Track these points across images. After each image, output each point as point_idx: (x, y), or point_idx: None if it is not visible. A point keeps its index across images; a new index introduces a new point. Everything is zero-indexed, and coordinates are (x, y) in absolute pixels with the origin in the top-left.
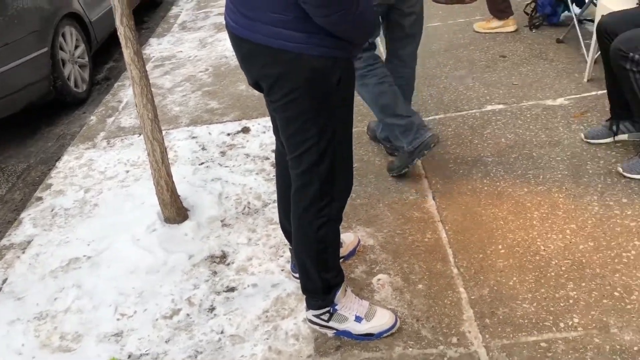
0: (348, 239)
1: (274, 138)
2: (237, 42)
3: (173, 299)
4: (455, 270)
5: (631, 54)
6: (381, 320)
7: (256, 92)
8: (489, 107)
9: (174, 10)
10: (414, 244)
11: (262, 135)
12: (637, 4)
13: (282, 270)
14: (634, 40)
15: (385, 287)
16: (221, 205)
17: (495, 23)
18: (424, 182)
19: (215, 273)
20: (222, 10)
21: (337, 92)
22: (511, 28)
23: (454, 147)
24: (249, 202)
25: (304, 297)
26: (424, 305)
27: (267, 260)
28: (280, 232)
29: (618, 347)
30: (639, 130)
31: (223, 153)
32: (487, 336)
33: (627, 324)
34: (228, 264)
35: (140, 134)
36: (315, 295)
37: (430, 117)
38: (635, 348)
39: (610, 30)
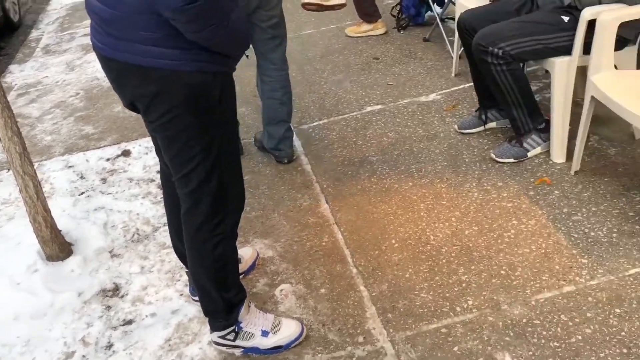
0: (246, 253)
1: (157, 159)
2: (107, 63)
3: (65, 342)
4: (354, 270)
5: (490, 48)
6: (288, 331)
7: (133, 113)
8: (369, 108)
9: (35, 33)
10: (312, 249)
11: (144, 156)
12: (490, 1)
13: (181, 295)
14: (492, 35)
15: (288, 296)
16: (108, 235)
17: (366, 27)
18: (316, 187)
19: (109, 308)
20: (88, 30)
21: (220, 107)
22: (381, 31)
23: (340, 149)
24: (137, 229)
25: (207, 319)
26: (328, 309)
27: (163, 286)
28: (174, 255)
29: (509, 322)
30: (504, 118)
31: (104, 180)
32: (391, 330)
33: (514, 299)
34: (122, 296)
35: (9, 169)
36: (218, 316)
37: (315, 123)
38: (524, 320)
39: (469, 26)
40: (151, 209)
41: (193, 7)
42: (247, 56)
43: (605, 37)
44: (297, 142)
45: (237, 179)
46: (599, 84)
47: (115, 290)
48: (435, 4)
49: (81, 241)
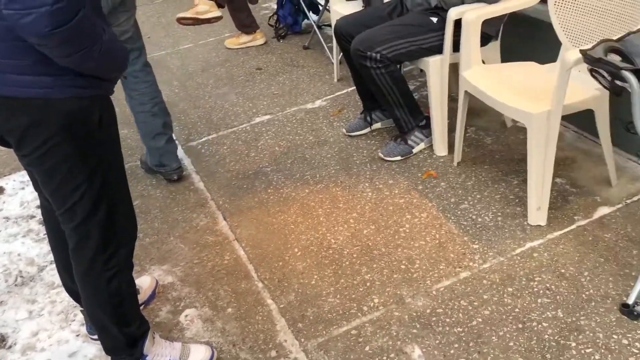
0: (144, 283)
1: (36, 193)
2: None
3: None
4: (260, 285)
5: (369, 53)
6: (198, 356)
7: (3, 147)
8: (257, 119)
9: None
10: (214, 269)
11: (20, 192)
12: (362, 6)
13: (78, 335)
14: (369, 40)
15: (194, 321)
16: None
17: (245, 38)
18: (211, 205)
19: None
20: None
21: (101, 132)
22: (260, 41)
23: (233, 163)
24: (20, 271)
25: (109, 358)
26: (237, 328)
27: (57, 329)
28: (65, 295)
29: (415, 314)
30: (388, 118)
31: None
32: (302, 340)
33: (417, 292)
34: (10, 347)
35: None
36: (121, 352)
37: (204, 139)
38: (428, 311)
39: (345, 32)
40: (34, 248)
41: (60, 31)
42: (124, 77)
43: (470, 35)
44: (186, 160)
45: (127, 206)
46: (470, 79)
47: (2, 341)
48: (310, 12)
49: None
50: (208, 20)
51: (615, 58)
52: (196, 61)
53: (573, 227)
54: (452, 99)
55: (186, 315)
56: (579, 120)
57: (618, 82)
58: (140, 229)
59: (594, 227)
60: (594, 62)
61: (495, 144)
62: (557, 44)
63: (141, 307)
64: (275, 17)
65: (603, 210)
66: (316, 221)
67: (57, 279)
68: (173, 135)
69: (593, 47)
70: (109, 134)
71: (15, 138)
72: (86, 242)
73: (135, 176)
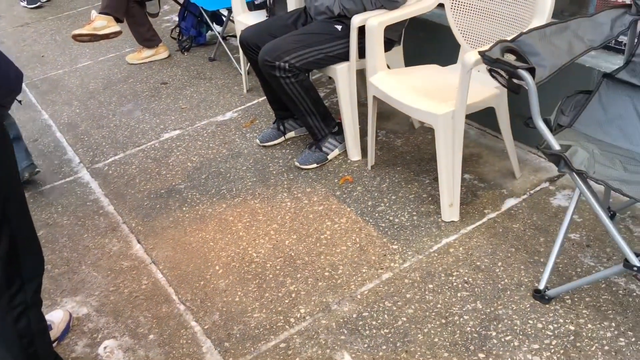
0: (56, 317)
1: None
2: None
3: None
4: (182, 307)
5: (277, 63)
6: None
7: None
8: (166, 135)
9: None
10: (132, 295)
11: None
12: (266, 16)
13: None
14: (276, 50)
15: (114, 352)
16: None
17: (147, 52)
18: (124, 228)
19: None
20: None
21: None
22: (164, 55)
23: (143, 183)
24: None
25: None
26: (161, 354)
27: None
28: None
29: (342, 320)
30: (301, 126)
31: None
32: (230, 359)
33: (342, 297)
34: None
35: None
36: None
37: (110, 159)
38: (355, 315)
39: (251, 43)
40: None
41: None
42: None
43: (374, 41)
44: (93, 184)
45: (29, 238)
46: (377, 84)
47: None
48: (214, 23)
49: None
50: (107, 36)
51: (511, 58)
52: (97, 79)
53: (484, 220)
54: (362, 104)
55: (105, 347)
56: (481, 118)
57: (515, 81)
58: (48, 259)
59: (503, 219)
60: (492, 62)
61: (405, 145)
62: (457, 46)
63: (54, 344)
64: (177, 30)
65: (510, 202)
66: (236, 236)
67: None
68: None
69: (490, 48)
70: (4, 161)
71: None
72: None
73: (39, 204)
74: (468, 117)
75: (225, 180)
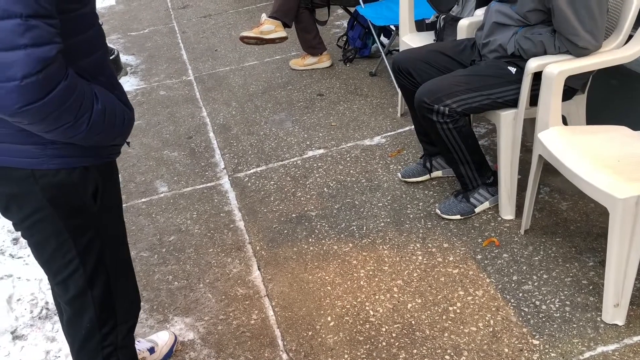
0: (161, 339)
1: None
2: None
3: None
4: (284, 356)
5: (436, 106)
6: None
7: None
8: (310, 153)
9: None
10: (239, 329)
11: None
12: (434, 40)
13: None
14: (437, 91)
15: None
16: (11, 312)
17: (310, 60)
18: (248, 249)
19: None
20: None
21: (96, 204)
22: (326, 64)
23: (277, 202)
24: (47, 302)
25: None
26: None
27: None
28: None
29: None
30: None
31: (16, 240)
32: None
33: None
34: None
35: None
36: None
37: (252, 170)
38: None
39: (403, 68)
40: None
41: (32, 108)
42: (128, 144)
43: (552, 91)
44: (231, 194)
45: (128, 280)
46: (546, 142)
47: None
48: (382, 35)
49: None
50: (272, 41)
51: None
52: (258, 81)
53: None
54: (527, 150)
55: None
56: None
57: None
58: (171, 270)
59: None
60: None
61: (571, 211)
62: None
63: None
64: (345, 38)
65: None
66: (356, 285)
67: None
68: None
69: None
70: (108, 205)
71: (1, 206)
72: (80, 317)
73: (177, 206)
74: None
75: (358, 215)
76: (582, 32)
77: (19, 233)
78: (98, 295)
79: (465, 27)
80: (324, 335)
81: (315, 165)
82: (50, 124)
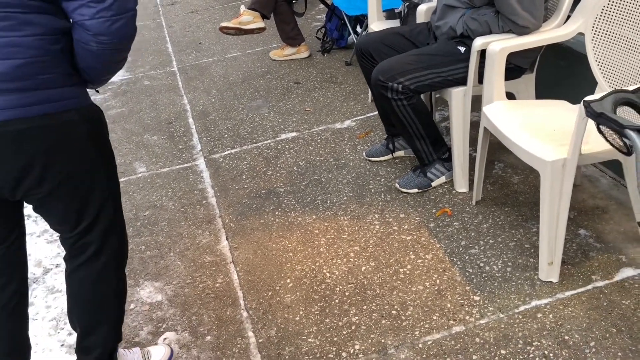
0: (158, 354)
1: None
2: None
3: None
4: (245, 314)
5: (390, 84)
6: (158, 355)
7: None
8: (283, 136)
9: None
10: (204, 292)
11: None
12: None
13: (62, 345)
14: (391, 70)
15: (171, 346)
16: None
17: (289, 50)
18: (218, 222)
19: None
20: None
21: (108, 137)
22: (304, 54)
23: (249, 180)
24: None
25: None
26: (211, 358)
27: (44, 336)
28: (62, 300)
29: None
30: None
31: None
32: None
33: (402, 342)
34: None
35: None
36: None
37: (227, 152)
38: None
39: (365, 50)
40: (45, 249)
41: (135, 33)
42: (97, 91)
43: (494, 67)
44: (205, 173)
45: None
46: (489, 115)
47: None
48: (358, 26)
49: None
50: (251, 31)
51: (627, 112)
52: (239, 71)
53: (588, 287)
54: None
55: (165, 339)
56: (618, 166)
57: (625, 140)
58: (144, 240)
59: (612, 291)
60: (595, 117)
61: (522, 184)
62: (595, 84)
63: None
64: (323, 30)
65: (626, 272)
66: (316, 251)
67: (58, 284)
68: None
69: (602, 98)
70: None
71: (40, 166)
72: (108, 248)
73: (154, 185)
74: (602, 163)
75: (323, 190)
76: (520, 12)
77: None
78: (120, 222)
79: (423, 12)
80: (282, 295)
81: (287, 147)
82: (128, 50)
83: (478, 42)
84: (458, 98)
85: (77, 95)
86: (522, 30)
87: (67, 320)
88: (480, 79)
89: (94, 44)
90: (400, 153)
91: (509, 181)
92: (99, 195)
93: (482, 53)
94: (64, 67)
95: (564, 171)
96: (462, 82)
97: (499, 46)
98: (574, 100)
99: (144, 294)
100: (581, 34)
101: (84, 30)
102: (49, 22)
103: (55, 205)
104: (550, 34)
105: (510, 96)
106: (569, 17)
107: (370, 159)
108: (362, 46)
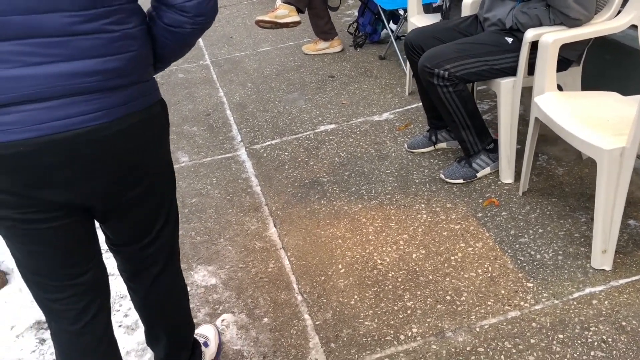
0: (211, 333)
1: None
2: (78, 143)
3: None
4: (299, 298)
5: (436, 70)
6: (210, 333)
7: None
8: (322, 128)
9: None
10: (257, 276)
11: None
12: (441, 20)
13: (120, 325)
14: (437, 57)
15: (230, 327)
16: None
17: (322, 44)
18: (264, 210)
19: (43, 341)
20: None
21: None
22: (337, 48)
23: (291, 170)
24: None
25: (146, 349)
26: (270, 339)
27: None
28: (119, 280)
29: (453, 350)
30: (454, 139)
31: None
32: None
33: (459, 326)
34: None
35: None
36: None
37: (267, 143)
38: (468, 348)
39: (415, 45)
40: None
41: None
42: None
43: (546, 59)
44: (248, 163)
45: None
46: (541, 105)
47: None
48: (390, 21)
49: (17, 270)
50: (286, 25)
51: None
52: (272, 65)
53: None
54: (527, 123)
55: (223, 320)
56: None
57: None
58: (194, 227)
59: None
60: None
61: (567, 175)
62: None
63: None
64: (355, 25)
65: None
66: (365, 239)
67: (113, 263)
68: None
69: None
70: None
71: (141, 165)
72: (174, 248)
73: (198, 174)
74: None
75: (367, 180)
76: (572, 4)
77: None
78: (178, 222)
79: (468, 5)
80: (335, 280)
81: (327, 138)
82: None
83: (530, 34)
84: (507, 89)
85: (157, 86)
86: (574, 22)
87: (123, 302)
88: (529, 71)
89: (189, 26)
90: (443, 145)
91: (554, 173)
92: (172, 192)
93: (532, 46)
94: (151, 56)
95: (622, 160)
96: (508, 72)
97: (552, 37)
98: (621, 93)
99: (197, 277)
100: (633, 27)
101: (179, 13)
102: (141, 11)
103: (137, 212)
104: (602, 25)
105: (557, 88)
106: (619, 12)
107: (412, 150)
108: (413, 41)
